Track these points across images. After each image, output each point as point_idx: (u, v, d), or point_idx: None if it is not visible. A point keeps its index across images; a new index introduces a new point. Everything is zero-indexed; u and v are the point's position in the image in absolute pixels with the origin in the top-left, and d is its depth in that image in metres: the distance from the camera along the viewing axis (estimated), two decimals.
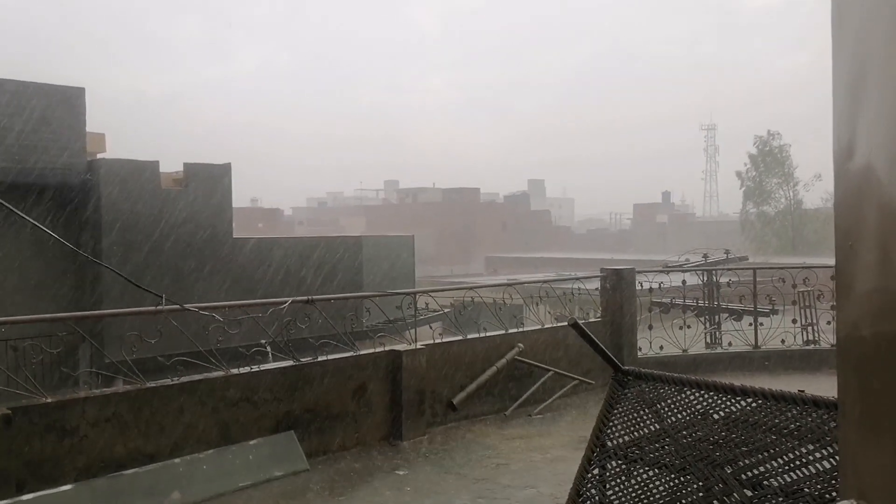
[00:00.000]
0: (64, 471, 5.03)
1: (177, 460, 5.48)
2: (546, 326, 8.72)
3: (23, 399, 5.07)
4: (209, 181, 13.60)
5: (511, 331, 8.30)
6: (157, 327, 5.63)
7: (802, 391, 3.93)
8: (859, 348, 1.40)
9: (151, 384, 5.56)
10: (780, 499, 3.64)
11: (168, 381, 5.65)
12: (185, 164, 13.76)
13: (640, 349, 9.63)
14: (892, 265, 1.25)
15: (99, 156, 12.91)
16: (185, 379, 5.73)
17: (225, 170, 14.03)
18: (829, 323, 10.30)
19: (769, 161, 51.44)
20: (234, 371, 6.06)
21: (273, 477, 5.80)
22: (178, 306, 5.50)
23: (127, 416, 5.35)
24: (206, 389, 5.78)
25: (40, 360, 5.44)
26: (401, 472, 6.06)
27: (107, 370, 6.11)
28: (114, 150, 13.95)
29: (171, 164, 14.26)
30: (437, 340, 7.91)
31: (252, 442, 5.93)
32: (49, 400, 5.08)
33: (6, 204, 4.82)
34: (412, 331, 7.84)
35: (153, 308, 5.43)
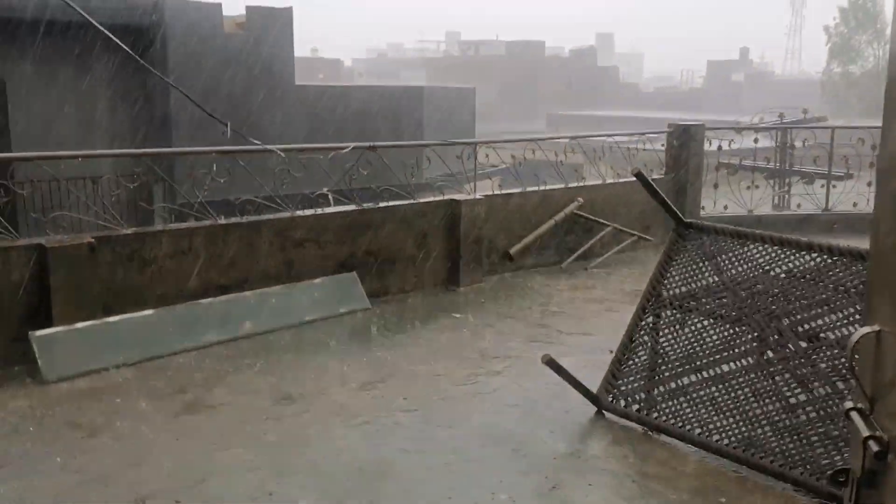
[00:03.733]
0: (145, 297, 5.39)
1: (247, 293, 5.80)
2: (608, 182, 8.62)
3: (105, 230, 5.38)
4: (271, 25, 13.37)
5: (571, 184, 8.23)
6: (227, 167, 5.79)
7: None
8: None
9: (223, 221, 5.79)
10: (836, 350, 3.68)
11: (238, 219, 5.88)
12: (248, 8, 13.51)
13: (704, 208, 9.48)
14: None
15: None
16: (254, 218, 5.95)
17: (287, 14, 13.74)
18: None
19: (861, 16, 47.52)
20: (300, 213, 6.25)
21: (337, 313, 6.11)
22: (242, 137, 5.61)
23: (201, 250, 5.63)
24: (273, 228, 6.00)
25: (118, 196, 5.70)
26: (458, 315, 6.29)
27: (180, 208, 6.36)
28: None
29: (232, 8, 14.02)
30: (496, 192, 7.93)
31: (317, 280, 6.20)
32: (128, 231, 5.38)
33: (102, 28, 4.86)
34: (471, 184, 7.86)
35: (220, 148, 5.55)
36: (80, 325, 4.99)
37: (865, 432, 1.32)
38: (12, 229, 5.08)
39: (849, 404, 1.38)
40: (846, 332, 3.67)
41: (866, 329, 1.34)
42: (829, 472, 2.69)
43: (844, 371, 3.65)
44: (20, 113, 11.09)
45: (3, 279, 4.84)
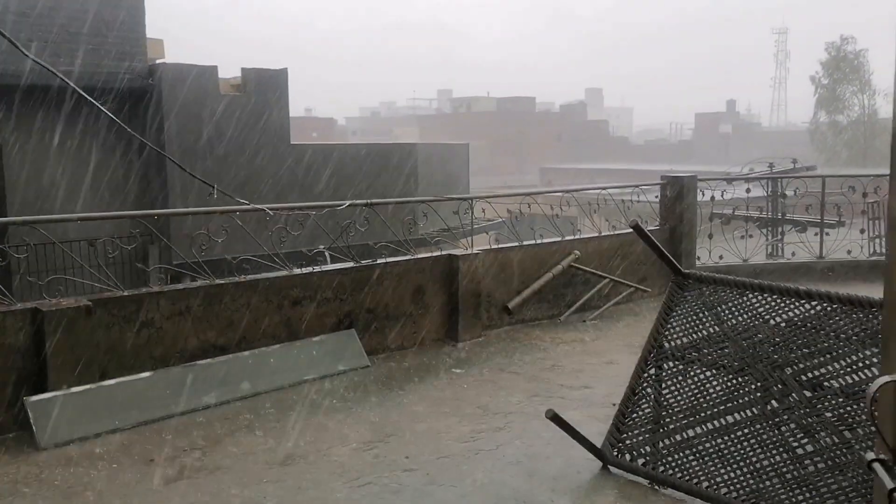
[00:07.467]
0: (142, 360, 5.34)
1: (246, 353, 5.75)
2: (603, 234, 8.67)
3: (101, 292, 5.35)
4: (266, 86, 13.61)
5: (567, 238, 8.28)
6: (224, 227, 5.81)
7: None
8: None
9: (220, 281, 5.78)
10: (840, 399, 3.65)
11: (235, 279, 5.87)
12: (243, 69, 13.75)
13: (699, 258, 9.52)
14: None
15: (158, 61, 13.01)
16: (251, 277, 5.94)
17: (282, 75, 14.00)
18: None
19: (843, 67, 48.72)
20: (297, 271, 6.24)
21: (336, 371, 6.05)
22: (229, 197, 5.65)
23: (198, 310, 5.61)
24: (270, 287, 5.99)
25: (114, 258, 5.69)
26: (458, 371, 6.24)
27: (177, 268, 6.36)
28: (172, 55, 14.02)
29: (227, 70, 14.27)
30: (493, 246, 7.95)
31: (315, 338, 6.16)
32: (126, 293, 5.36)
33: (93, 101, 4.97)
34: (468, 238, 7.89)
35: (213, 208, 5.59)
36: (76, 389, 4.92)
37: (891, 484, 1.29)
38: (8, 293, 5.06)
39: (871, 455, 1.35)
40: (849, 381, 3.65)
41: (885, 378, 1.33)
42: None
43: (850, 420, 3.61)
44: (17, 177, 11.17)
45: None
